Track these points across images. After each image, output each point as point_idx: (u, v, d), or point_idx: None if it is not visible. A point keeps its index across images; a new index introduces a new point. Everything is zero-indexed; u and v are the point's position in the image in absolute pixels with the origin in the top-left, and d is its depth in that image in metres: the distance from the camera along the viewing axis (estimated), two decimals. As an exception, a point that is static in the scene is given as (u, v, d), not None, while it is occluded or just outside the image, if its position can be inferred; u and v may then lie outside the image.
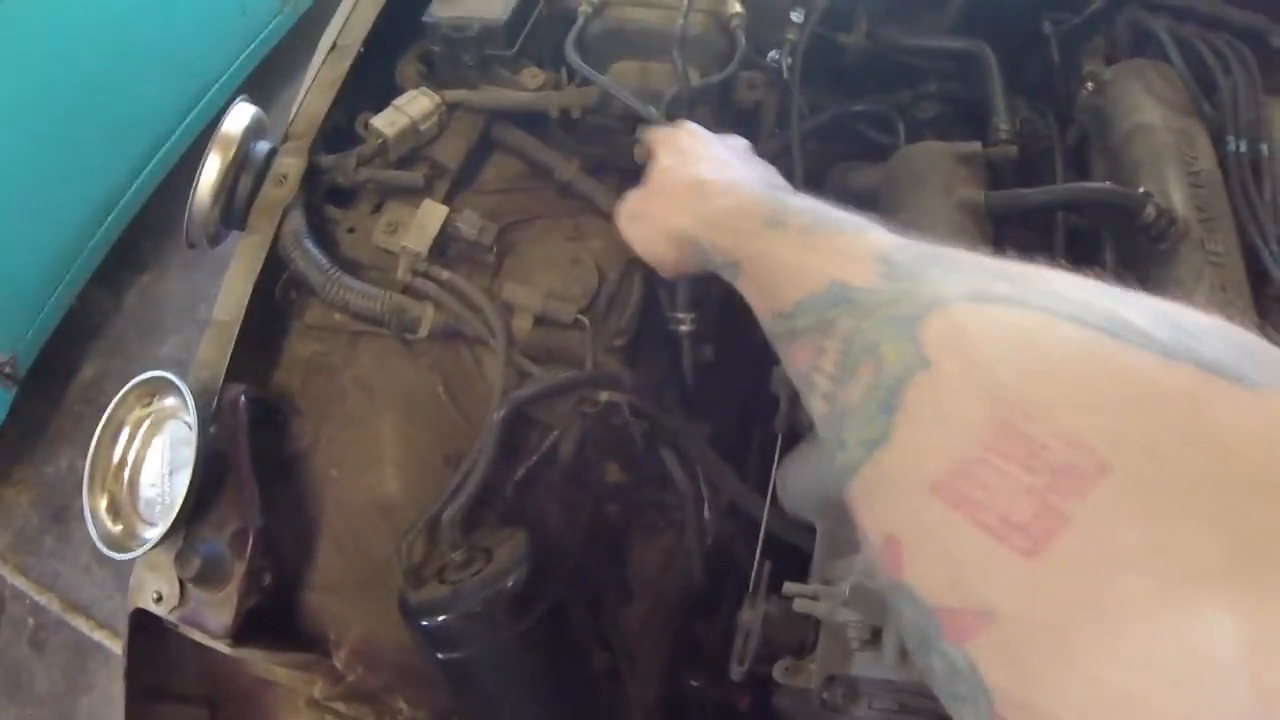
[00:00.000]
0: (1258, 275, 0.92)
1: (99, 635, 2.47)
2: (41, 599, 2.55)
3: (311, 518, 1.04)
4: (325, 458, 1.05)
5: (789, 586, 0.81)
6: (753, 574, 0.90)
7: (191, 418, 0.87)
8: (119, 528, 0.93)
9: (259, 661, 1.06)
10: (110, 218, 2.66)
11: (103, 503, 0.96)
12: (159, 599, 0.95)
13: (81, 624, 2.48)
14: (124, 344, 2.89)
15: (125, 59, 2.55)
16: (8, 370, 2.44)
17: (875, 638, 0.75)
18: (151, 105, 2.69)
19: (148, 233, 2.96)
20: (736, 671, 0.86)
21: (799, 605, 0.78)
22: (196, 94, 2.81)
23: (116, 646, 2.43)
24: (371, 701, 1.06)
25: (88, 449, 2.83)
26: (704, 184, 0.73)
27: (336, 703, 1.08)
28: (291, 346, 1.08)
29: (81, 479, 2.68)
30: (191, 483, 0.85)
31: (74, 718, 2.38)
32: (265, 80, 3.14)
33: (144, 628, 0.99)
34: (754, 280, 0.59)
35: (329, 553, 1.04)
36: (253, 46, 2.98)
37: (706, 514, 1.10)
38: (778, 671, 0.81)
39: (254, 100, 1.12)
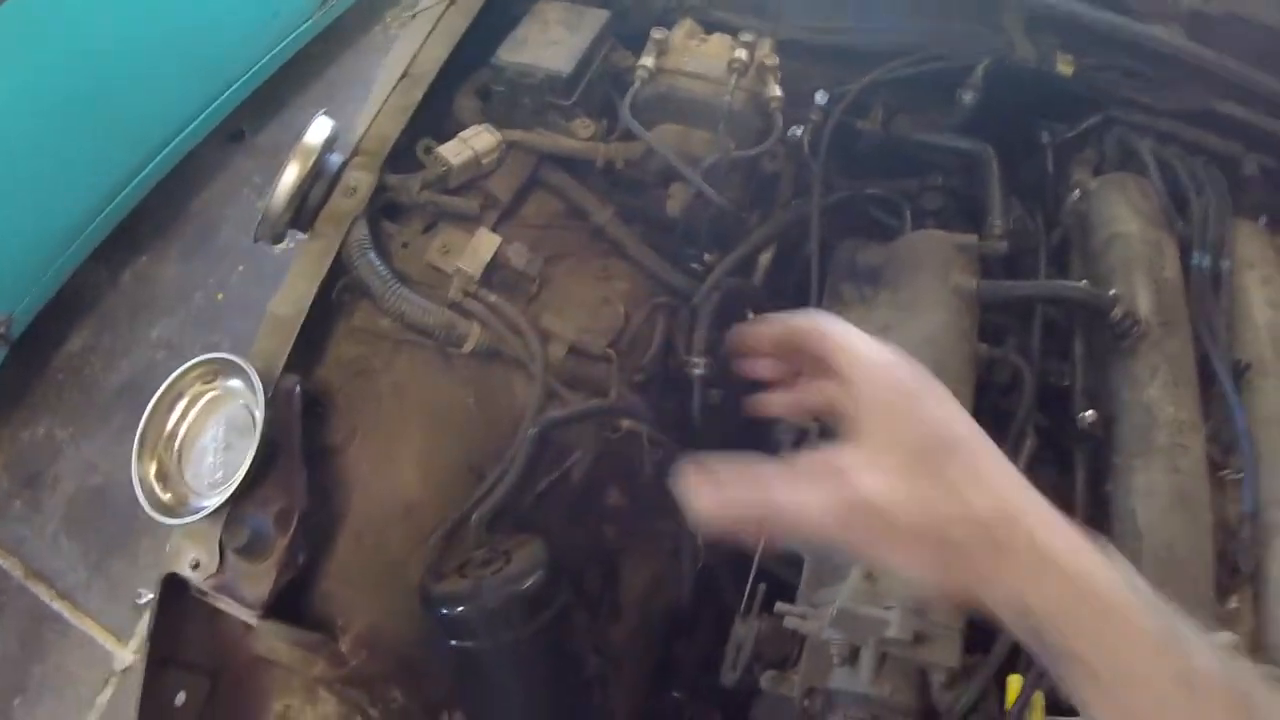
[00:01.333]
0: (1207, 375, 1.06)
1: (58, 605, 2.49)
2: (4, 563, 2.57)
3: (336, 509, 1.12)
4: (356, 455, 1.14)
5: (781, 606, 0.91)
6: (745, 595, 1.00)
7: (257, 401, 0.96)
8: (168, 495, 1.01)
9: (264, 639, 1.13)
10: (119, 198, 2.72)
11: (152, 468, 1.03)
12: (196, 566, 1.02)
13: (42, 592, 2.50)
14: (114, 321, 2.93)
15: (151, 49, 2.62)
16: (2, 330, 2.48)
17: (854, 655, 0.86)
18: (171, 96, 2.76)
19: (149, 216, 3.02)
20: (728, 677, 0.96)
21: (789, 622, 0.89)
22: (216, 90, 2.89)
23: (75, 618, 2.47)
24: (368, 688, 1.13)
25: (66, 418, 2.84)
26: (1037, 543, 0.48)
27: (334, 685, 1.15)
28: (336, 346, 1.17)
29: (59, 448, 2.70)
30: (254, 460, 0.93)
31: (25, 685, 2.39)
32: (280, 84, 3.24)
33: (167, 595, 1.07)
34: None
35: (348, 544, 1.12)
36: (278, 49, 3.05)
37: (700, 542, 1.20)
38: (764, 680, 0.91)
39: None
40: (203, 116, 2.85)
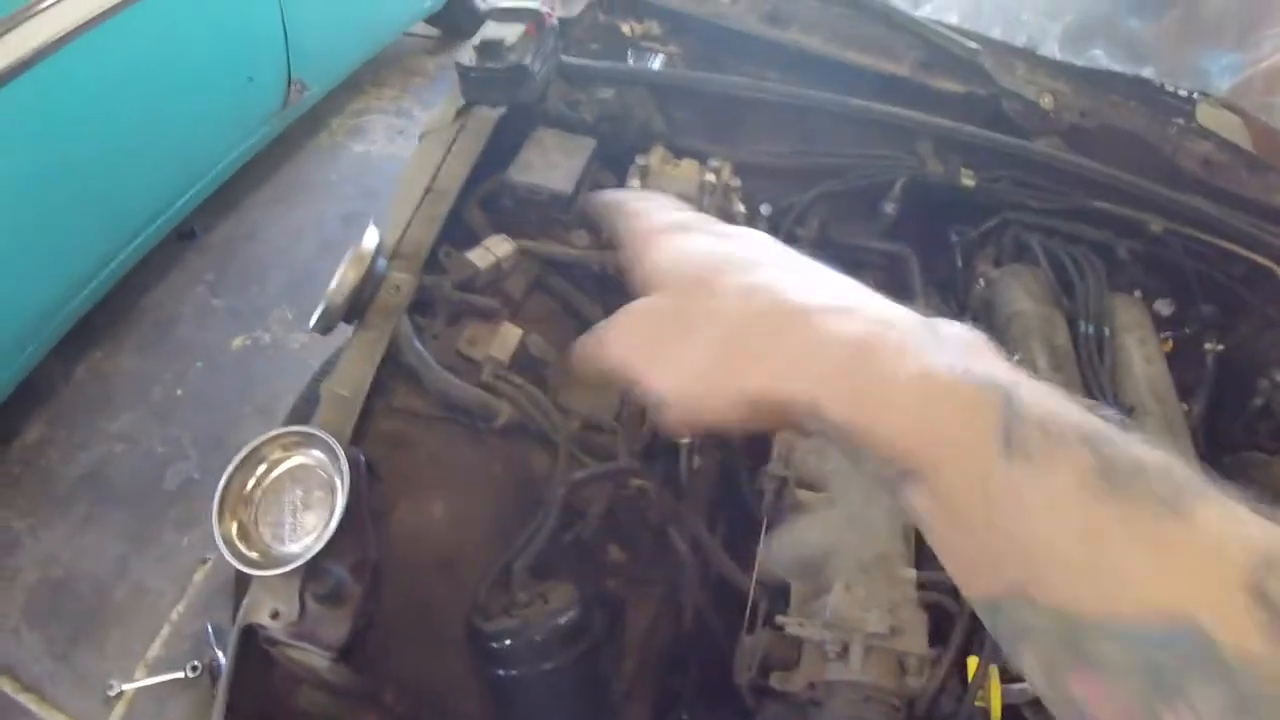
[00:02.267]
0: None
1: (23, 698, 2.47)
2: (-37, 661, 2.55)
3: (382, 567, 1.29)
4: (399, 518, 1.32)
5: (782, 618, 1.13)
6: (748, 611, 1.22)
7: (339, 467, 1.14)
8: (253, 552, 1.17)
9: (309, 695, 1.28)
10: (83, 293, 2.79)
11: (233, 527, 1.18)
12: (275, 615, 1.17)
13: (6, 685, 2.49)
14: (70, 414, 2.98)
15: (121, 148, 2.75)
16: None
17: (845, 651, 1.08)
18: (141, 193, 2.88)
19: (103, 312, 3.07)
20: (742, 677, 1.16)
21: (790, 629, 1.11)
22: (185, 186, 3.03)
23: (42, 711, 2.45)
24: None
25: (24, 510, 2.89)
26: (847, 334, 0.44)
27: None
28: (377, 423, 1.36)
29: (16, 539, 2.73)
30: (345, 520, 1.11)
31: (-8, 781, 2.38)
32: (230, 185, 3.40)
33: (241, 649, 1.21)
34: (967, 523, 0.41)
35: (392, 598, 1.28)
36: (238, 152, 3.22)
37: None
38: (774, 679, 1.12)
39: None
40: (165, 216, 2.97)
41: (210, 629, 2.49)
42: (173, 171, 2.99)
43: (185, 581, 2.63)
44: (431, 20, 4.50)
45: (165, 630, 2.56)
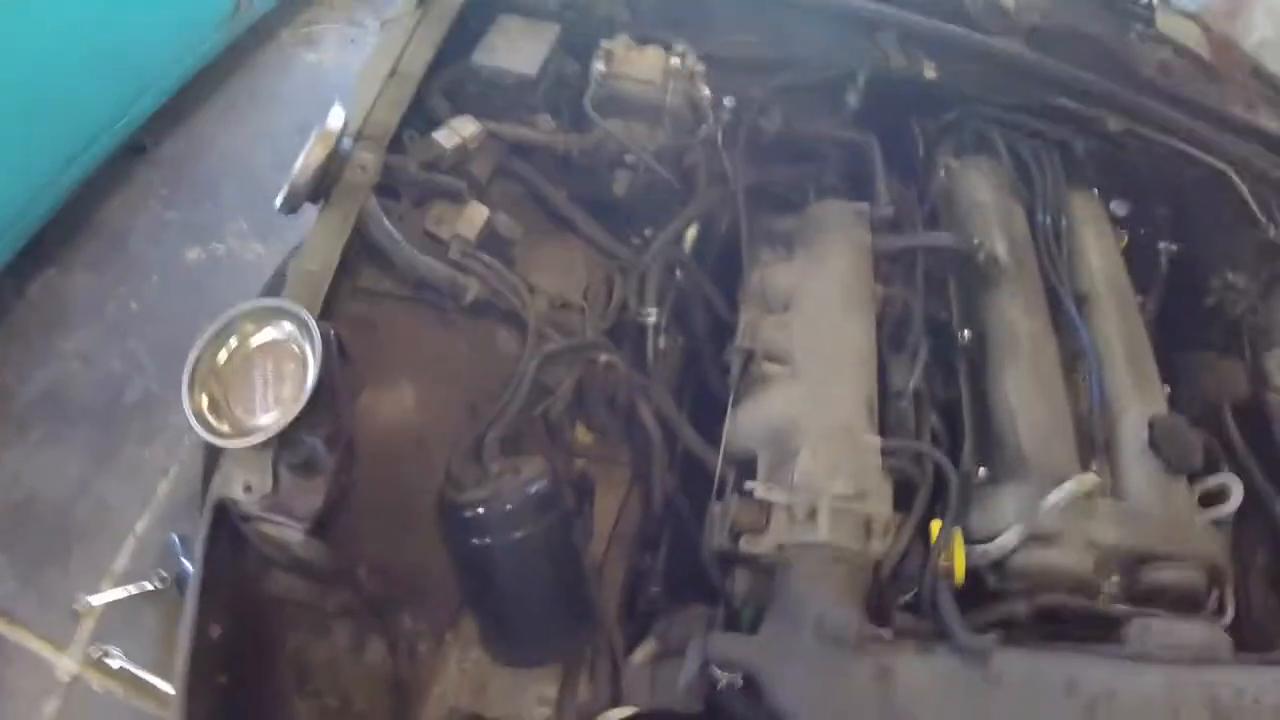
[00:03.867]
0: (1054, 304, 1.39)
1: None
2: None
3: (351, 445, 1.29)
4: (368, 399, 1.31)
5: (751, 484, 1.17)
6: (717, 479, 1.25)
7: (312, 339, 1.13)
8: (224, 425, 1.17)
9: (280, 580, 1.29)
10: (32, 210, 2.72)
11: (204, 400, 1.17)
12: (248, 489, 1.18)
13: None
14: (25, 332, 2.91)
15: (69, 61, 2.65)
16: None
17: (812, 514, 1.12)
18: (88, 107, 2.80)
19: (55, 229, 2.99)
20: (715, 542, 1.19)
21: (759, 493, 1.14)
22: (130, 99, 2.94)
23: (8, 631, 2.39)
24: (381, 613, 1.31)
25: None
26: None
27: (346, 618, 1.31)
28: (340, 302, 1.35)
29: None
30: (317, 392, 1.11)
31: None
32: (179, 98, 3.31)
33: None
34: None
35: (363, 480, 1.27)
36: (187, 64, 3.14)
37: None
38: (743, 543, 1.15)
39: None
40: (115, 129, 2.89)
41: (175, 539, 2.48)
42: (122, 83, 2.90)
43: (149, 495, 2.62)
44: (385, -71, 4.36)
45: (130, 543, 2.55)
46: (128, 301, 2.98)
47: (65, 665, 2.39)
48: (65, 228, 3.06)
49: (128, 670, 2.35)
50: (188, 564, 2.41)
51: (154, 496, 2.61)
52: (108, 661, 2.36)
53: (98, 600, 2.45)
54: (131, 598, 2.46)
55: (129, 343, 2.87)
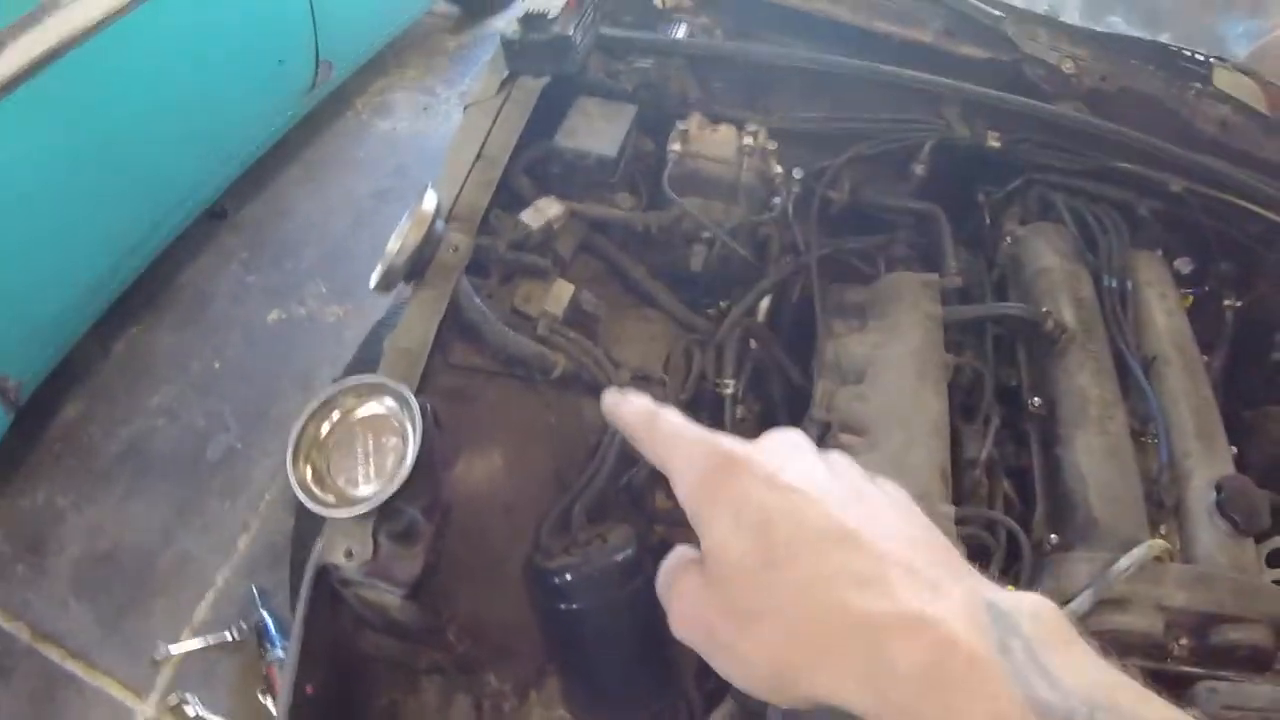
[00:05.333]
0: (1122, 367, 1.42)
1: (71, 665, 2.55)
2: (9, 627, 2.63)
3: (448, 514, 1.36)
4: (463, 467, 1.38)
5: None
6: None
7: (411, 413, 1.20)
8: (329, 497, 1.23)
9: (373, 638, 1.35)
10: (121, 270, 2.87)
11: (308, 472, 1.24)
12: (349, 555, 1.24)
13: (53, 653, 2.56)
14: (109, 390, 3.05)
15: (159, 129, 2.81)
16: (12, 396, 2.58)
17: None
18: (179, 170, 2.95)
19: (139, 289, 3.15)
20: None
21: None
22: (214, 167, 3.10)
23: (90, 677, 2.53)
24: (468, 672, 1.36)
25: (66, 485, 2.96)
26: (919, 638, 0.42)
27: (435, 675, 1.36)
28: (436, 379, 1.42)
29: (60, 514, 2.80)
30: (416, 464, 1.18)
31: (38, 745, 2.46)
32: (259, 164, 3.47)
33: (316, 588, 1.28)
34: None
35: (456, 542, 1.34)
36: (276, 126, 3.31)
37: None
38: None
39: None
40: (199, 195, 3.05)
41: (255, 591, 2.57)
42: (206, 153, 3.06)
43: (229, 548, 2.72)
44: (451, -1, 4.56)
45: (210, 595, 2.65)
46: (211, 360, 3.11)
47: (144, 712, 2.49)
48: (150, 289, 3.22)
49: (204, 719, 2.42)
50: (266, 615, 2.51)
51: (234, 550, 2.71)
52: (185, 709, 2.45)
53: (177, 649, 2.55)
54: (210, 648, 2.55)
55: (212, 400, 2.99)
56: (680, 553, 0.55)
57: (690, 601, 0.51)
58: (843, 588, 0.44)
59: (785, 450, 0.52)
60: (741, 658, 0.47)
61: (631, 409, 0.58)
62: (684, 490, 0.52)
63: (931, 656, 0.41)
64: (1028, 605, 0.43)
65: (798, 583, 0.45)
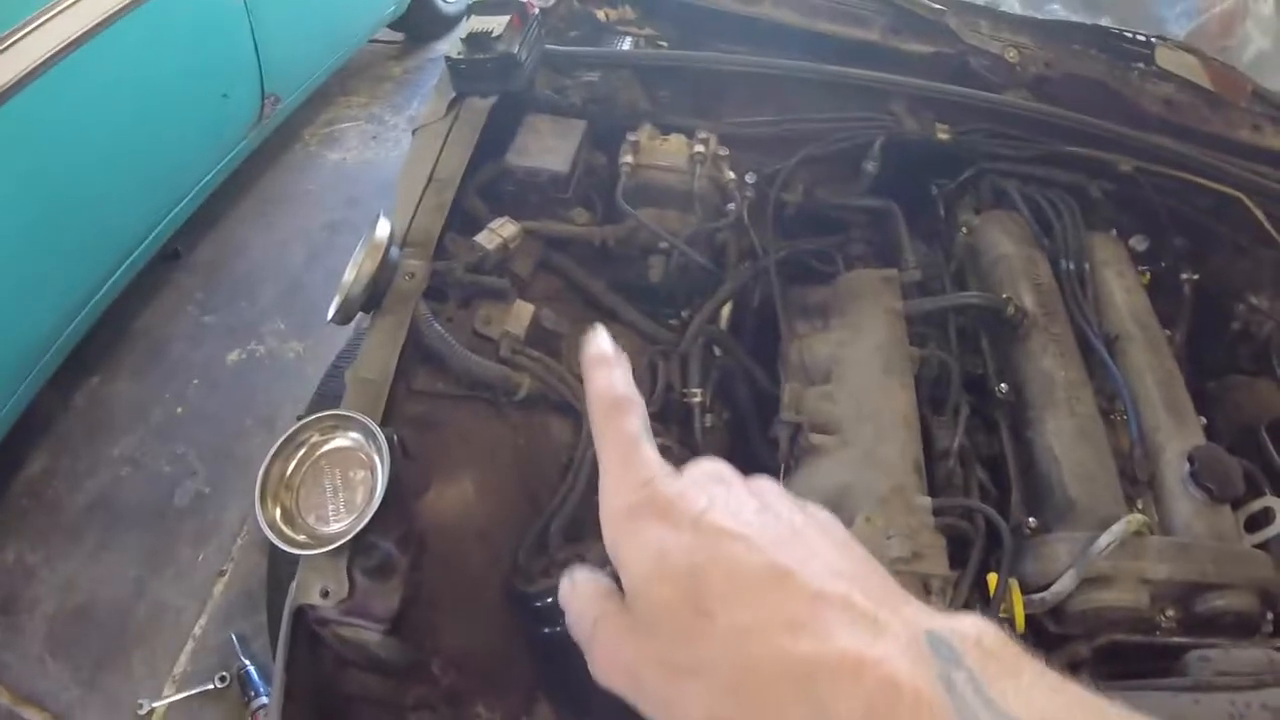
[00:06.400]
0: (1086, 348, 1.42)
1: (53, 725, 2.51)
2: (-12, 691, 2.57)
3: (422, 544, 1.34)
4: (434, 495, 1.36)
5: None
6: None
7: (378, 445, 1.18)
8: (300, 536, 1.21)
9: (356, 678, 1.32)
10: (76, 320, 2.80)
11: (276, 512, 1.22)
12: (325, 594, 1.22)
13: (35, 716, 2.50)
14: (72, 443, 2.99)
15: (105, 173, 2.77)
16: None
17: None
18: (125, 216, 2.91)
19: (96, 338, 3.10)
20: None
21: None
22: (163, 209, 3.05)
23: None
24: (456, 705, 1.33)
25: (35, 541, 2.89)
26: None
27: (423, 711, 1.34)
28: (401, 407, 1.40)
29: (31, 571, 2.74)
30: (386, 496, 1.16)
31: (25, 807, 2.40)
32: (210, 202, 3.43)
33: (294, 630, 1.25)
34: None
35: (433, 573, 1.32)
36: (218, 168, 3.26)
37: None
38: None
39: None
40: (151, 237, 2.99)
41: (235, 639, 2.53)
42: (154, 193, 3.02)
43: (205, 595, 2.66)
44: (395, 25, 4.54)
45: (189, 645, 2.59)
46: (172, 406, 3.06)
47: (131, 768, 2.42)
48: (105, 337, 3.17)
49: (192, 772, 2.37)
50: (247, 662, 2.47)
51: (210, 597, 2.66)
52: (173, 763, 2.39)
53: (160, 703, 2.49)
54: (192, 698, 2.50)
55: (176, 446, 2.94)
56: (596, 589, 0.52)
57: (615, 648, 0.48)
58: (777, 634, 0.42)
59: (711, 486, 0.49)
60: (674, 711, 0.45)
61: (600, 387, 0.55)
62: (604, 513, 0.50)
63: (873, 700, 0.39)
64: (970, 630, 0.41)
65: (730, 632, 0.43)
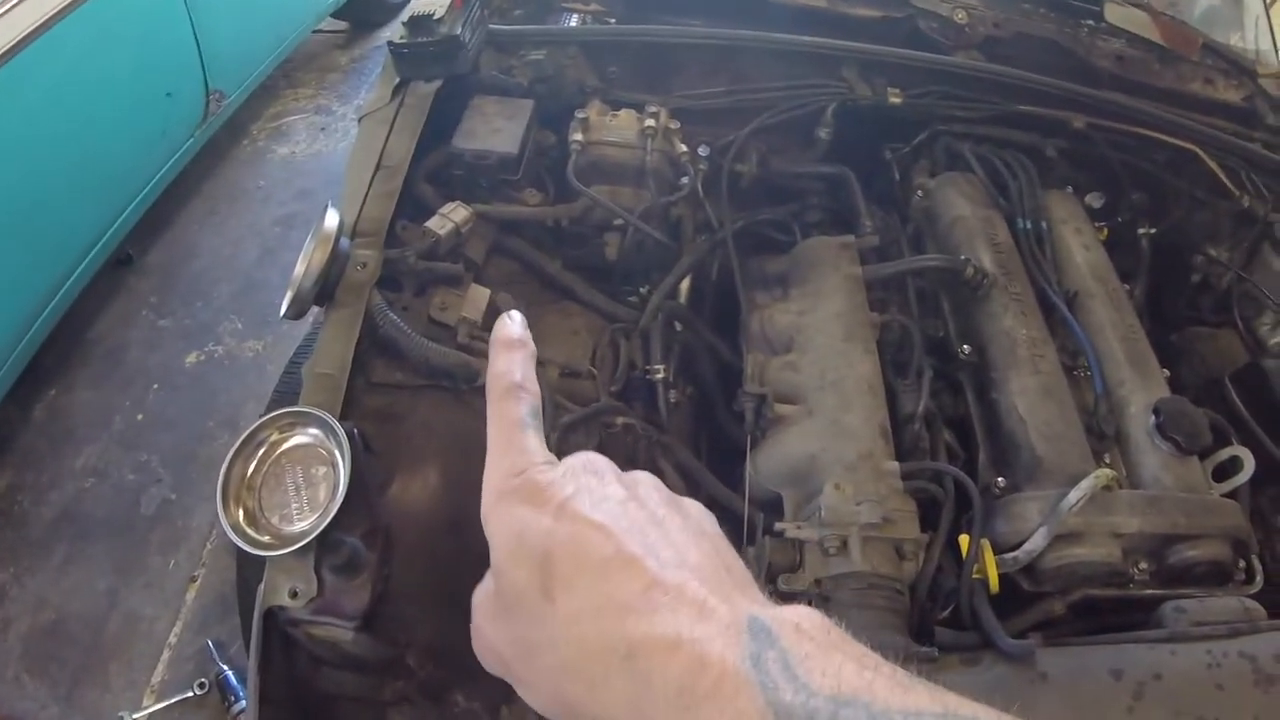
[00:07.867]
0: (1046, 305, 1.42)
1: (35, 745, 2.47)
2: (-34, 716, 2.53)
3: (391, 538, 1.32)
4: (400, 487, 1.34)
5: (780, 525, 1.19)
6: (745, 525, 1.28)
7: (339, 441, 1.16)
8: (265, 537, 1.19)
9: (331, 676, 1.30)
10: (31, 332, 2.74)
11: (239, 514, 1.20)
12: (294, 594, 1.20)
13: (15, 734, 2.48)
14: (34, 456, 2.93)
15: (49, 181, 2.70)
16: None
17: (844, 546, 1.14)
18: (71, 226, 2.84)
19: (52, 349, 3.03)
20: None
21: (790, 534, 1.17)
22: (112, 213, 2.98)
23: None
24: (435, 697, 1.32)
25: (4, 559, 2.83)
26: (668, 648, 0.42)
27: (402, 705, 1.32)
28: (358, 399, 1.38)
29: (2, 590, 2.67)
30: (350, 491, 1.14)
31: (10, 825, 2.37)
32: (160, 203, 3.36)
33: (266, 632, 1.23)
34: None
35: (404, 566, 1.30)
36: (165, 169, 3.18)
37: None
38: (781, 582, 1.18)
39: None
40: (101, 243, 2.93)
41: (211, 645, 2.49)
42: (102, 197, 2.95)
43: (177, 603, 2.63)
44: (339, 14, 4.47)
45: (166, 654, 2.56)
46: (133, 413, 3.00)
47: (114, 784, 2.39)
48: (61, 347, 3.10)
49: (177, 780, 2.35)
50: (225, 668, 2.44)
51: (183, 604, 2.62)
52: (157, 774, 2.36)
53: (140, 714, 2.46)
54: (172, 707, 2.46)
55: (140, 454, 2.89)
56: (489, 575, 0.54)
57: (482, 630, 0.52)
58: (611, 617, 0.44)
59: (582, 476, 0.51)
60: (529, 688, 0.49)
61: (499, 371, 0.58)
62: (483, 494, 0.54)
63: (684, 675, 0.42)
64: (791, 616, 0.43)
65: (571, 614, 0.45)
